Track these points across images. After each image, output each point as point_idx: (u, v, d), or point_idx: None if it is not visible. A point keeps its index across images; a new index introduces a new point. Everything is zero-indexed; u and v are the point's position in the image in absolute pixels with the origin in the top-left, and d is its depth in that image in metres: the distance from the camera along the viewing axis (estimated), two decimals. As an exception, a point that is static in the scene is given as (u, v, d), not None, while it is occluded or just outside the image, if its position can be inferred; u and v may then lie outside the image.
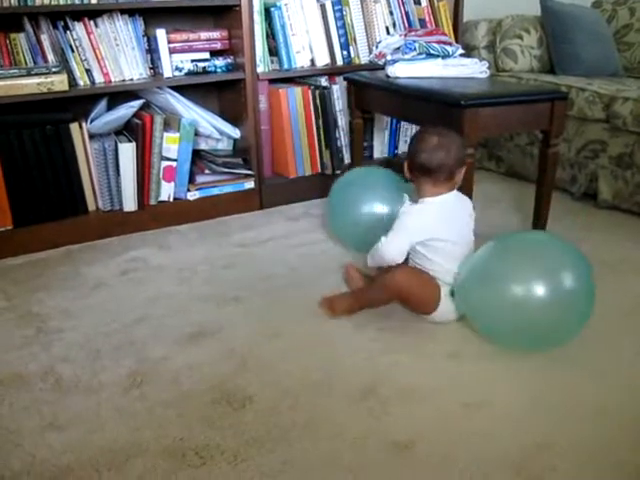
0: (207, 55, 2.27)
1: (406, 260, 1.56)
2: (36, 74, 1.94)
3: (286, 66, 2.39)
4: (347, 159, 2.56)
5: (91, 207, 2.14)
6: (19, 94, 1.91)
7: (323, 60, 2.45)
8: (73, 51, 2.05)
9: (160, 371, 1.37)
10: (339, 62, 2.47)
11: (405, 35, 2.07)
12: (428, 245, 1.49)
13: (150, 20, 2.21)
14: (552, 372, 1.33)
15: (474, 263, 1.42)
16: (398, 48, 2.04)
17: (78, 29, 2.04)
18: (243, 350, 1.44)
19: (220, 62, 2.27)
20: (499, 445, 1.12)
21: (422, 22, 2.60)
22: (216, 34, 2.27)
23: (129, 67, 2.15)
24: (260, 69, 2.32)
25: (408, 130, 2.72)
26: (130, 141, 2.12)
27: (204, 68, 2.26)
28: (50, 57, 2.02)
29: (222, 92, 2.48)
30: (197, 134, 2.28)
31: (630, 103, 2.14)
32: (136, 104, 2.13)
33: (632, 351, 1.41)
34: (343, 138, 2.53)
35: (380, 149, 2.71)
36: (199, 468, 1.08)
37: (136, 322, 1.58)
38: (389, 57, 2.06)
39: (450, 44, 2.02)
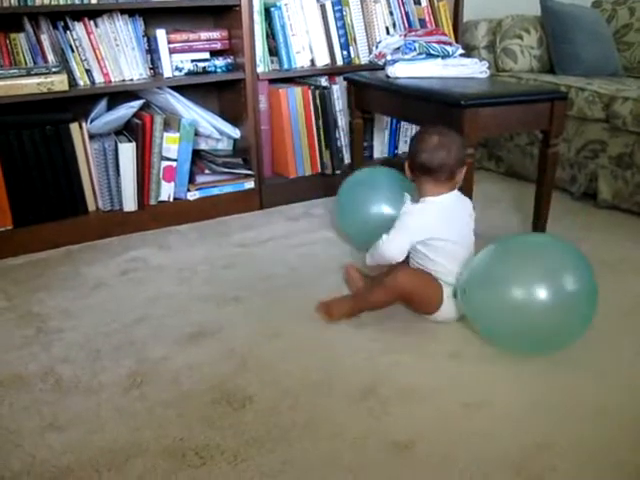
0: (207, 55, 2.27)
1: (406, 260, 1.56)
2: (36, 74, 1.94)
3: (286, 66, 2.39)
4: (347, 159, 2.56)
5: (91, 207, 2.15)
6: (19, 94, 1.91)
7: (323, 60, 2.45)
8: (73, 51, 2.05)
9: (160, 371, 1.37)
10: (339, 62, 2.47)
11: (405, 35, 2.07)
12: (429, 244, 1.50)
13: (150, 20, 2.22)
14: (552, 372, 1.33)
15: (475, 266, 1.41)
16: (398, 48, 2.04)
17: (78, 29, 2.05)
18: (243, 350, 1.44)
19: (220, 62, 2.27)
20: (499, 445, 1.12)
21: (422, 22, 2.60)
22: (216, 34, 2.27)
23: (129, 67, 2.16)
24: (260, 69, 2.32)
25: (408, 130, 2.72)
26: (130, 141, 2.12)
27: (204, 68, 2.26)
28: (50, 57, 2.02)
29: (222, 92, 2.48)
30: (197, 134, 2.28)
31: (630, 103, 2.14)
32: (136, 104, 2.13)
33: (632, 351, 1.41)
34: (343, 138, 2.53)
35: (380, 149, 2.71)
36: (199, 468, 1.08)
37: (136, 322, 1.58)
38: (389, 57, 2.06)
39: (450, 44, 2.02)
